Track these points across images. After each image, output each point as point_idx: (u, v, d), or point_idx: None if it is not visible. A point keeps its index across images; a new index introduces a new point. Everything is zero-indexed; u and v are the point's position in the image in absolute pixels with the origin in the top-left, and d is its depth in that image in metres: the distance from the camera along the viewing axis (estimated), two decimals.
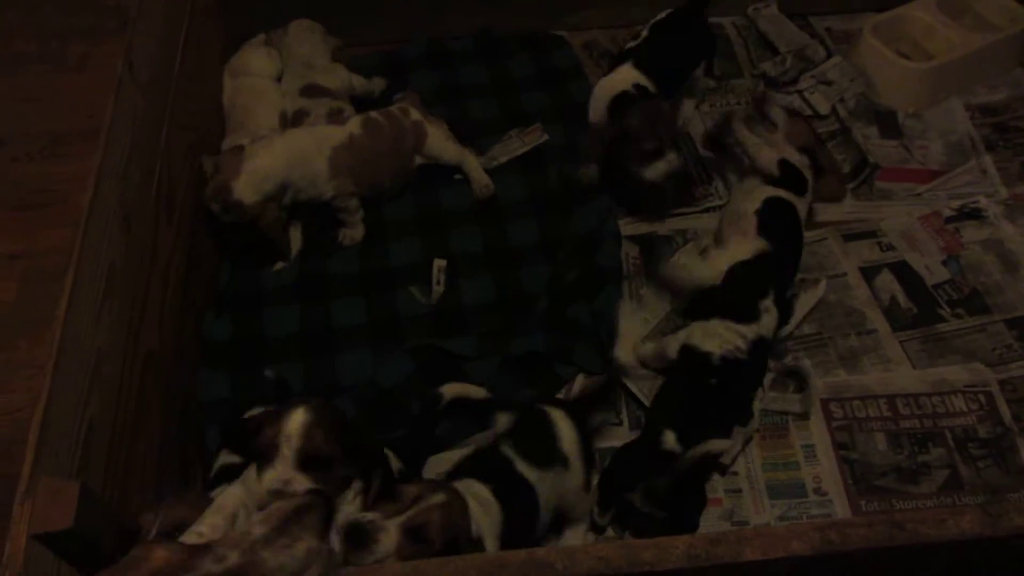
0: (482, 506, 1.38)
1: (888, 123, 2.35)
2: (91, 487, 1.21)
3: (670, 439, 1.62)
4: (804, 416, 1.82)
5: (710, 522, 1.69)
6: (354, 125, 2.09)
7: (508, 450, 1.52)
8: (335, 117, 2.17)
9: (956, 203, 2.16)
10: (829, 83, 2.39)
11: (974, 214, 2.13)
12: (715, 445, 1.63)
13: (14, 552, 1.12)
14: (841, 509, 1.71)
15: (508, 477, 1.49)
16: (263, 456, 1.28)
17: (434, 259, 2.06)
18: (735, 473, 1.76)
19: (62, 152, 2.40)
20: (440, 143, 2.17)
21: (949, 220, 2.13)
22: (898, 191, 2.21)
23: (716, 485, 1.74)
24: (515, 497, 1.46)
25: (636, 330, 1.92)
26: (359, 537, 1.22)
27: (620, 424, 1.83)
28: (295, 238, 2.10)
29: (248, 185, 1.90)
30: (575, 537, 1.63)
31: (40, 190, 2.32)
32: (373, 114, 2.13)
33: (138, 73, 1.73)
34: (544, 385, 1.87)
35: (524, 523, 1.47)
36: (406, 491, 1.30)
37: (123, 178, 1.60)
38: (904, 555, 1.24)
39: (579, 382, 1.88)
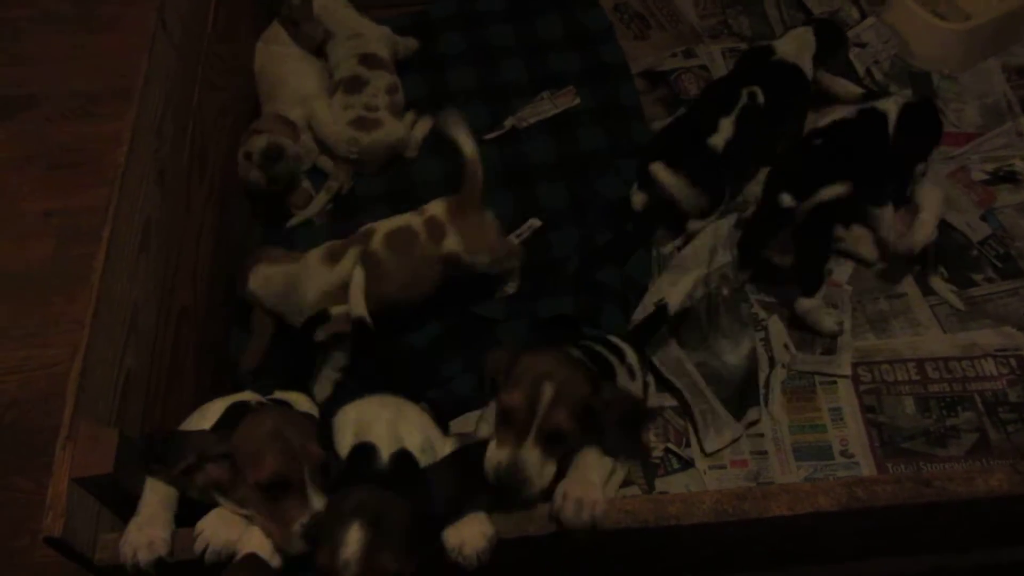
0: None
1: (922, 85, 2.30)
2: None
3: (786, 198, 1.86)
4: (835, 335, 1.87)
5: (735, 482, 1.70)
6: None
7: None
8: (393, 94, 2.18)
9: (991, 166, 2.13)
10: (863, 45, 2.34)
11: (1009, 177, 2.10)
12: (826, 192, 1.86)
13: (56, 494, 1.15)
14: (868, 471, 1.71)
15: None
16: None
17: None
18: (761, 435, 1.76)
19: (95, 112, 2.42)
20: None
21: (983, 183, 2.10)
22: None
23: (742, 447, 1.75)
24: None
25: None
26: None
27: None
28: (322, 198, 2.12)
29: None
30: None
31: (74, 149, 2.34)
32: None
33: (171, 31, 1.74)
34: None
35: None
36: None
37: (158, 134, 1.62)
38: (932, 513, 1.24)
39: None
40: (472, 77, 2.37)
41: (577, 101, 2.30)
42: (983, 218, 2.04)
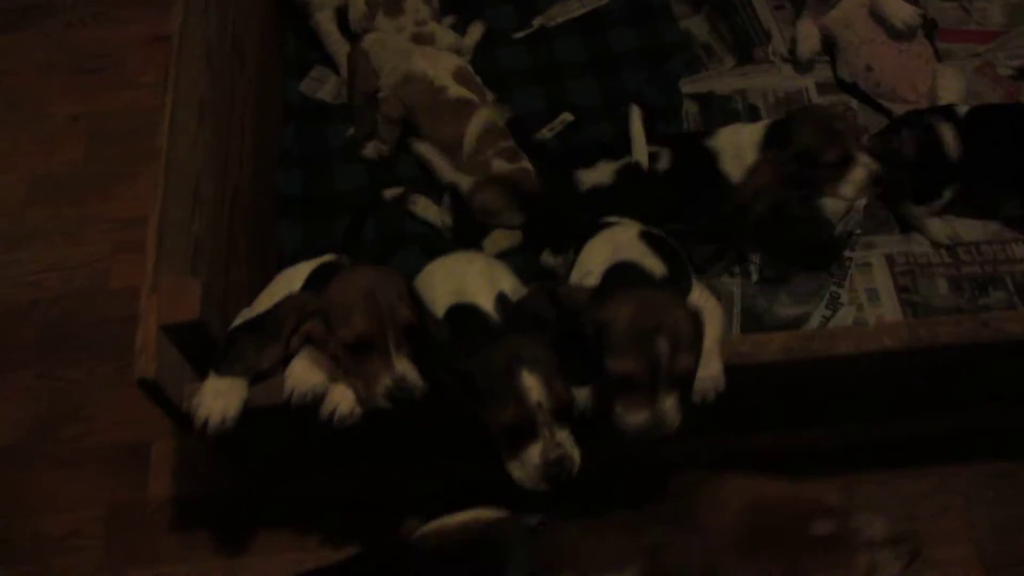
0: None
1: None
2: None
3: None
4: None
5: None
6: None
7: None
8: (431, 2, 2.18)
9: (1016, 63, 2.16)
10: None
11: None
12: None
13: (146, 339, 1.18)
14: None
15: None
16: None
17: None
18: None
19: (116, 16, 2.39)
20: None
21: (1010, 78, 2.13)
22: (958, 51, 2.20)
23: None
24: None
25: None
26: (658, 435, 1.21)
27: None
28: None
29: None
30: None
31: (97, 55, 2.32)
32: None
33: None
34: None
35: None
36: None
37: (204, 15, 1.61)
38: (988, 351, 1.29)
39: None
40: None
41: (605, 0, 2.30)
42: None
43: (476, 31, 2.21)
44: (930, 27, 2.21)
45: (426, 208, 1.90)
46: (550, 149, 2.02)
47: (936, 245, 1.89)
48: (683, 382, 1.21)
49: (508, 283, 1.36)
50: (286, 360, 1.25)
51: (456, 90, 1.91)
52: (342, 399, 1.21)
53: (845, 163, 1.65)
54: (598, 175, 1.80)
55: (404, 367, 1.21)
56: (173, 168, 1.34)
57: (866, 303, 1.83)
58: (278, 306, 1.26)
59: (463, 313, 1.29)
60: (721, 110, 2.13)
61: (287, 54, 2.21)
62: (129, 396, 1.79)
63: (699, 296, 1.34)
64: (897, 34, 2.06)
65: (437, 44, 2.11)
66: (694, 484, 1.08)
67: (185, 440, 1.75)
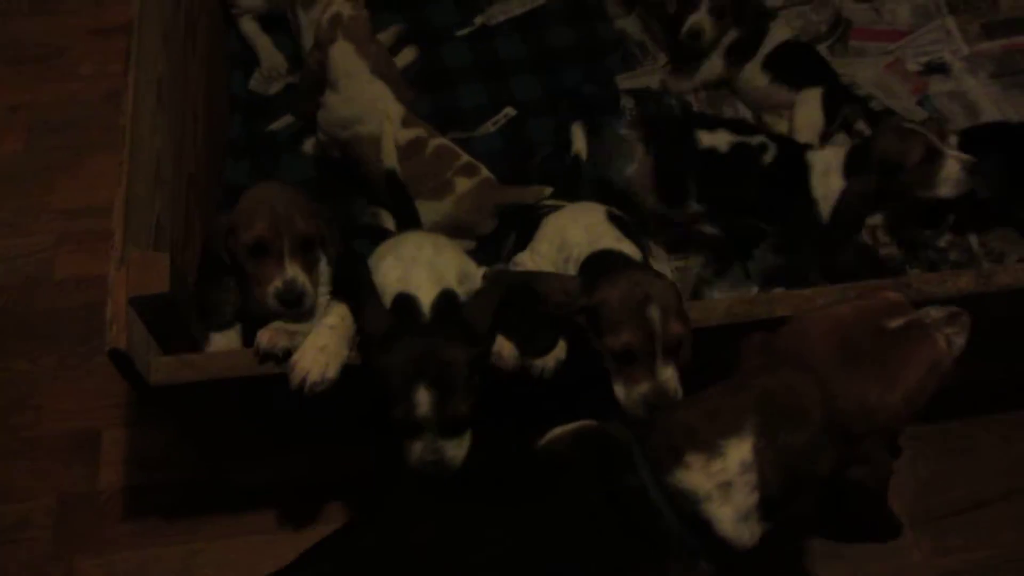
0: None
1: None
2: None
3: None
4: None
5: None
6: None
7: None
8: None
9: (923, 59, 2.33)
10: None
11: (939, 68, 2.30)
12: None
13: (117, 311, 1.19)
14: None
15: None
16: None
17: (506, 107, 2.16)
18: None
19: (56, 8, 2.37)
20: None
21: (918, 74, 2.30)
22: (870, 49, 2.36)
23: None
24: None
25: None
26: (662, 404, 1.25)
27: None
28: None
29: None
30: None
31: (35, 44, 2.30)
32: None
33: None
34: None
35: None
36: None
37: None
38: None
39: None
40: None
41: (543, 0, 2.39)
42: (919, 103, 2.23)
43: (409, 54, 2.25)
44: (845, 26, 2.38)
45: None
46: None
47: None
48: (677, 350, 1.26)
49: (455, 271, 1.37)
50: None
51: (405, 135, 1.85)
52: (312, 365, 1.25)
53: (933, 160, 1.62)
54: (716, 139, 1.82)
55: (295, 271, 1.37)
56: (136, 147, 1.36)
57: None
58: (206, 239, 1.43)
59: (404, 303, 1.30)
60: (656, 104, 2.23)
61: (231, 46, 2.23)
62: (77, 385, 1.81)
63: (656, 265, 1.42)
64: None
65: None
66: (764, 343, 1.14)
67: (137, 427, 1.75)
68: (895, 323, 1.09)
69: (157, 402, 1.30)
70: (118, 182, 1.29)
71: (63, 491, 1.70)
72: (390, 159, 1.73)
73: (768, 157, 1.79)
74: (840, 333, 1.09)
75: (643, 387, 1.24)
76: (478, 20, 2.34)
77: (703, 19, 2.10)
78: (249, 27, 2.21)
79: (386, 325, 1.25)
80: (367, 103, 1.85)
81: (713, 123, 1.88)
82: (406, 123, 1.86)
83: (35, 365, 1.83)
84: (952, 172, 1.63)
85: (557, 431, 1.18)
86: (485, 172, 1.88)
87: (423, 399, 1.19)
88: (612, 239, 1.40)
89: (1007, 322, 1.45)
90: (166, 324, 1.26)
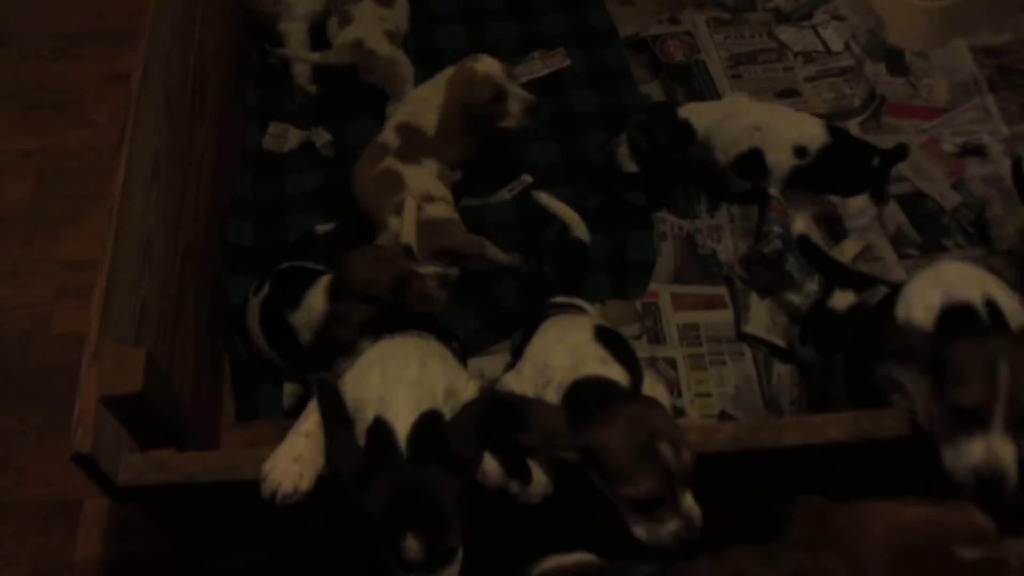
0: None
1: (895, 61, 2.40)
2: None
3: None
4: None
5: None
6: None
7: None
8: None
9: (960, 139, 2.23)
10: (842, 19, 2.43)
11: (977, 150, 2.20)
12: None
13: (85, 412, 1.14)
14: None
15: None
16: None
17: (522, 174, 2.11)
18: None
19: (74, 53, 2.36)
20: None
21: (954, 155, 2.20)
22: (905, 126, 2.27)
23: None
24: None
25: None
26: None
27: None
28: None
29: None
30: None
31: (53, 90, 2.28)
32: None
33: None
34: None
35: None
36: None
37: (165, 66, 1.59)
38: None
39: None
40: (462, 36, 2.39)
41: (567, 62, 2.33)
42: (954, 187, 2.14)
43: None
44: (880, 102, 2.29)
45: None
46: None
47: None
48: (691, 476, 1.18)
49: (442, 387, 1.25)
50: None
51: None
52: (284, 477, 1.18)
53: None
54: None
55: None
56: (125, 229, 1.31)
57: None
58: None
59: (380, 433, 1.19)
60: None
61: (248, 102, 2.20)
62: (63, 450, 1.73)
63: (649, 384, 1.35)
64: None
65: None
66: (821, 512, 1.05)
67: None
68: (970, 553, 0.97)
69: (128, 499, 1.25)
70: (99, 271, 1.24)
71: (39, 560, 1.65)
72: (409, 236, 1.69)
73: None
74: (902, 540, 0.99)
75: (671, 524, 1.16)
76: None
77: None
78: (297, 37, 2.23)
79: (360, 460, 1.17)
80: None
81: None
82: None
83: (23, 424, 1.79)
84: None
85: (553, 562, 1.10)
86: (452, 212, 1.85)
87: (412, 545, 1.11)
88: (596, 362, 1.30)
89: None
90: (139, 421, 1.21)
